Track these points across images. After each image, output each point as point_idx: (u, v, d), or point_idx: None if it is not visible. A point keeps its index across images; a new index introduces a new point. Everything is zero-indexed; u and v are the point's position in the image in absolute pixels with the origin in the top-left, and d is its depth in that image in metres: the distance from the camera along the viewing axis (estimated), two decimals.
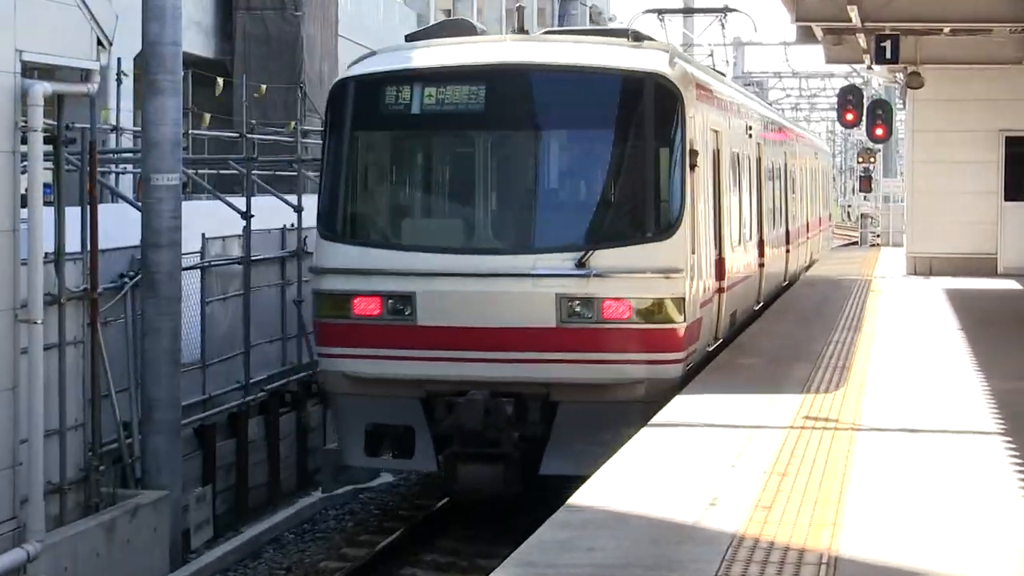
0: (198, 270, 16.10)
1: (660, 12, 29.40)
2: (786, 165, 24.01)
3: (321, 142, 14.37)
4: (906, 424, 11.28)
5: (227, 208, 17.74)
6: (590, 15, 49.51)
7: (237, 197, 18.53)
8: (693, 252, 13.47)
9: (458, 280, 13.13)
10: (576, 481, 9.74)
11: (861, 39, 23.97)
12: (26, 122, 11.35)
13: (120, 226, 15.03)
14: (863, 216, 48.45)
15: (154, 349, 13.91)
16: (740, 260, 16.98)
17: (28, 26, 11.44)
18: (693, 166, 13.47)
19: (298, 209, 19.25)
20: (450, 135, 13.99)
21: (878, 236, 44.92)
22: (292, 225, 19.01)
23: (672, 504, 8.61)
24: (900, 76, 27.64)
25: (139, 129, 16.91)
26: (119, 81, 23.86)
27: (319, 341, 14.03)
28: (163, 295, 13.96)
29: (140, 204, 14.59)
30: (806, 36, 26.02)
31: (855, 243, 45.26)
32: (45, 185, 12.30)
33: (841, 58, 28.91)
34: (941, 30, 23.53)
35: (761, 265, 19.18)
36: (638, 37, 14.43)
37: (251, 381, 17.13)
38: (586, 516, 8.44)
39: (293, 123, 26.09)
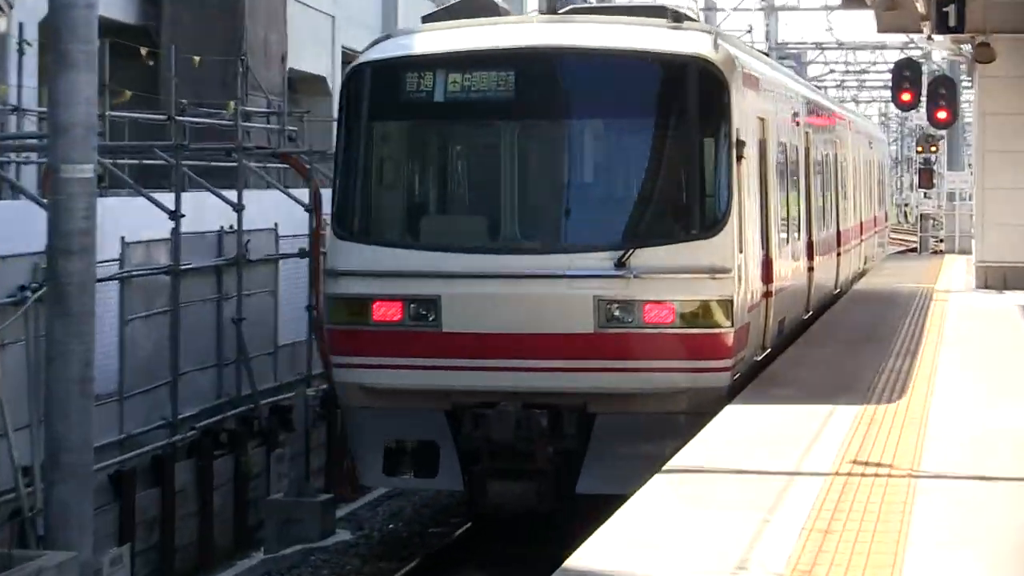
0: (116, 281, 16.06)
1: None
2: (836, 156, 24.61)
3: (336, 132, 15.23)
4: (977, 471, 11.24)
5: (152, 206, 17.70)
6: None
7: (164, 193, 18.50)
8: (740, 251, 14.23)
9: (486, 282, 14.06)
10: (614, 501, 10.08)
11: (920, 3, 24.00)
12: None
13: (21, 227, 15.03)
14: (923, 217, 48.55)
15: (61, 378, 13.79)
16: (788, 263, 17.75)
17: None
18: (740, 157, 14.34)
19: (238, 208, 19.22)
20: (477, 125, 15.07)
21: (941, 241, 45.00)
22: (231, 227, 18.97)
23: (691, 569, 8.53)
24: (967, 48, 27.66)
25: (45, 110, 16.87)
26: (21, 52, 23.84)
27: (333, 350, 14.85)
28: (73, 311, 13.86)
29: (46, 201, 14.53)
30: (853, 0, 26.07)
31: (913, 250, 45.28)
32: None
33: (896, 26, 29.04)
34: None
35: (810, 269, 19.85)
36: (677, 17, 15.29)
37: (179, 417, 17.10)
38: None
39: (233, 104, 26.09)
